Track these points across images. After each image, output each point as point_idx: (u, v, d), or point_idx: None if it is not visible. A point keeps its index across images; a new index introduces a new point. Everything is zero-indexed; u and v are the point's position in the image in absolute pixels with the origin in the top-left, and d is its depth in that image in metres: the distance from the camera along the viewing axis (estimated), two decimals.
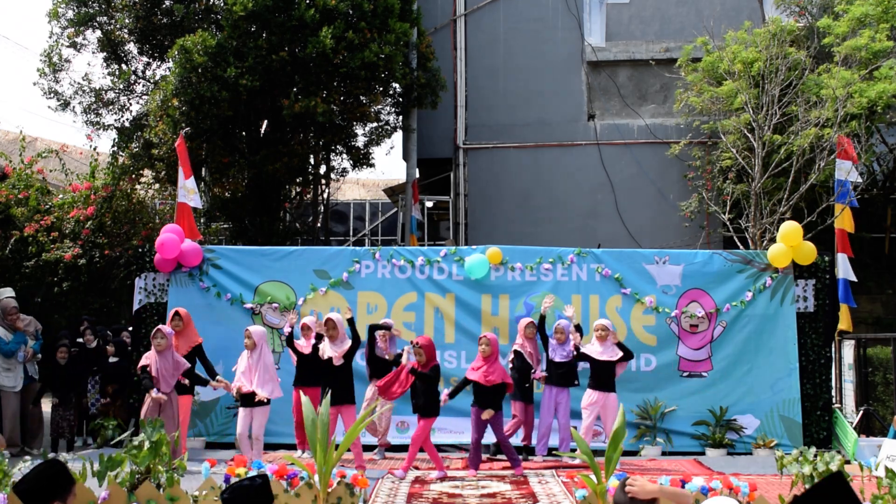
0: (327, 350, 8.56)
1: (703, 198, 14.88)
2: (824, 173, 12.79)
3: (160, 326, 8.46)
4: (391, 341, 9.45)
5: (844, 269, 10.77)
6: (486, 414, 8.16)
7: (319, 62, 12.85)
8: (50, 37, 14.94)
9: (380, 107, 15.29)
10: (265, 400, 8.27)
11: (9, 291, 10.10)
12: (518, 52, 16.78)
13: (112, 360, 10.53)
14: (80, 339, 10.46)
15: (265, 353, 8.44)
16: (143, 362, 8.28)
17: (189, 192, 11.14)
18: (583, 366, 9.30)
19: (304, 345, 9.21)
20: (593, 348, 9.11)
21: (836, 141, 11.72)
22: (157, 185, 15.84)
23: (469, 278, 10.38)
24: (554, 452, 8.98)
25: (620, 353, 9.06)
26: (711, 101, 14.25)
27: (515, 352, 9.42)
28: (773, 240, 11.76)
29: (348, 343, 8.57)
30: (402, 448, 9.20)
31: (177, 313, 8.93)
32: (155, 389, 8.08)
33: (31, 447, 9.60)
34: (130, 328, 10.94)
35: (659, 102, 16.58)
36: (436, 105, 15.46)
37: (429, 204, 17.57)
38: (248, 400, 8.27)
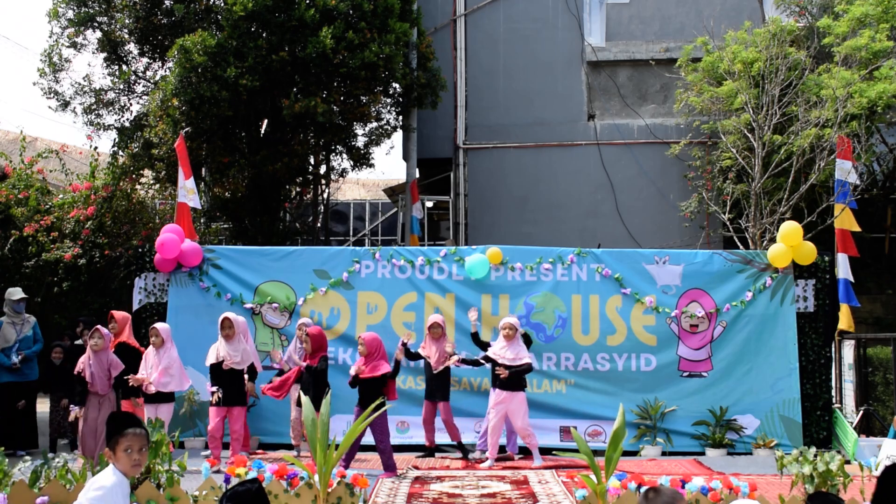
0: (221, 350, 8.71)
1: (703, 198, 14.88)
2: (824, 173, 12.79)
3: (98, 327, 8.57)
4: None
5: (844, 268, 10.77)
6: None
7: (319, 62, 12.85)
8: (50, 37, 14.91)
9: (380, 107, 15.28)
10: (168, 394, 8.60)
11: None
12: (518, 52, 16.78)
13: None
14: (79, 341, 10.44)
15: (171, 349, 8.67)
16: (78, 367, 8.34)
17: (189, 192, 11.15)
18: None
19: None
20: (498, 348, 8.93)
21: (836, 141, 11.72)
22: (157, 185, 15.84)
23: (469, 278, 10.38)
24: (553, 452, 8.99)
25: (527, 357, 8.90)
26: (711, 101, 14.25)
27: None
28: (773, 240, 11.76)
29: (244, 347, 8.77)
30: (399, 448, 9.24)
31: (112, 316, 9.10)
32: (77, 408, 8.22)
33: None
34: None
35: (659, 102, 16.59)
36: (436, 105, 15.46)
37: (429, 204, 17.57)
38: (152, 397, 8.49)
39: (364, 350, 8.27)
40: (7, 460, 5.81)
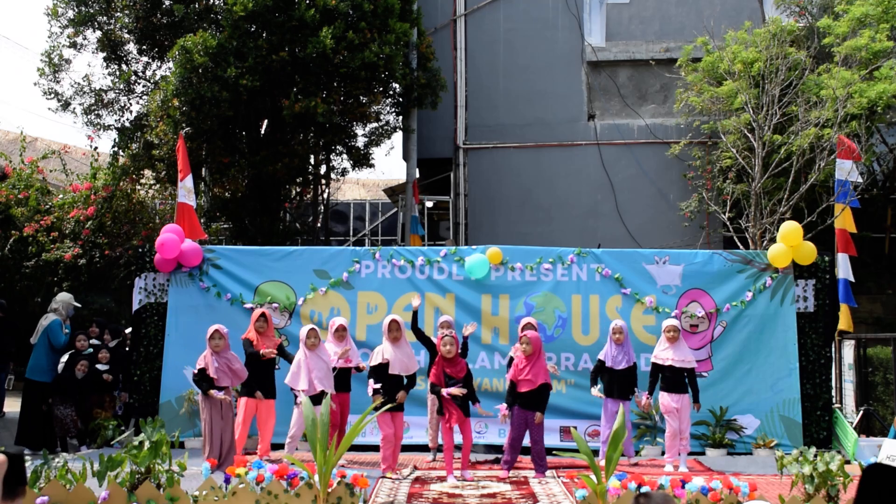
0: (387, 353, 8.33)
1: (703, 198, 14.89)
2: (824, 173, 12.80)
3: (217, 327, 8.37)
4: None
5: (845, 268, 10.78)
6: (537, 418, 8.13)
7: (319, 62, 12.85)
8: (50, 37, 14.92)
9: (380, 107, 15.30)
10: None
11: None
12: (518, 52, 16.79)
13: (102, 367, 10.14)
14: (95, 341, 10.43)
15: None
16: (199, 364, 8.25)
17: (188, 192, 11.17)
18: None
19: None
20: (663, 351, 8.93)
21: (836, 141, 11.73)
22: (157, 186, 15.86)
23: (469, 278, 10.38)
24: (553, 452, 8.98)
25: (692, 357, 8.96)
26: (711, 101, 14.26)
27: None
28: (773, 240, 11.76)
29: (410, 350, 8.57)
30: (404, 448, 9.23)
31: (262, 315, 8.92)
32: (216, 391, 8.13)
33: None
34: (130, 329, 10.92)
35: (659, 102, 16.59)
36: (436, 105, 15.47)
37: (429, 204, 17.58)
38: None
39: (529, 349, 8.15)
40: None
